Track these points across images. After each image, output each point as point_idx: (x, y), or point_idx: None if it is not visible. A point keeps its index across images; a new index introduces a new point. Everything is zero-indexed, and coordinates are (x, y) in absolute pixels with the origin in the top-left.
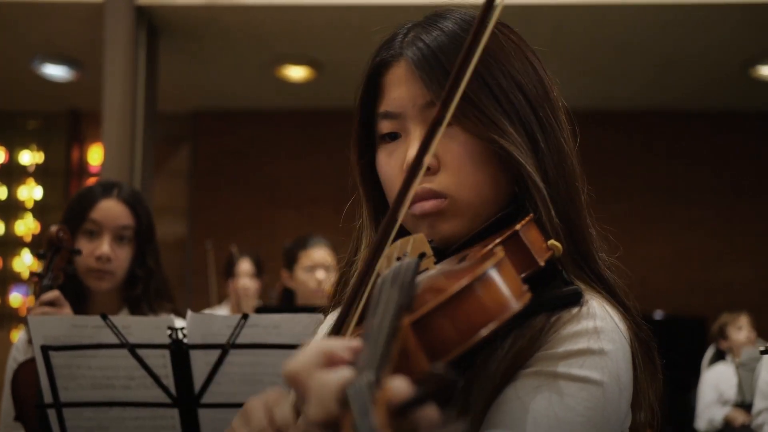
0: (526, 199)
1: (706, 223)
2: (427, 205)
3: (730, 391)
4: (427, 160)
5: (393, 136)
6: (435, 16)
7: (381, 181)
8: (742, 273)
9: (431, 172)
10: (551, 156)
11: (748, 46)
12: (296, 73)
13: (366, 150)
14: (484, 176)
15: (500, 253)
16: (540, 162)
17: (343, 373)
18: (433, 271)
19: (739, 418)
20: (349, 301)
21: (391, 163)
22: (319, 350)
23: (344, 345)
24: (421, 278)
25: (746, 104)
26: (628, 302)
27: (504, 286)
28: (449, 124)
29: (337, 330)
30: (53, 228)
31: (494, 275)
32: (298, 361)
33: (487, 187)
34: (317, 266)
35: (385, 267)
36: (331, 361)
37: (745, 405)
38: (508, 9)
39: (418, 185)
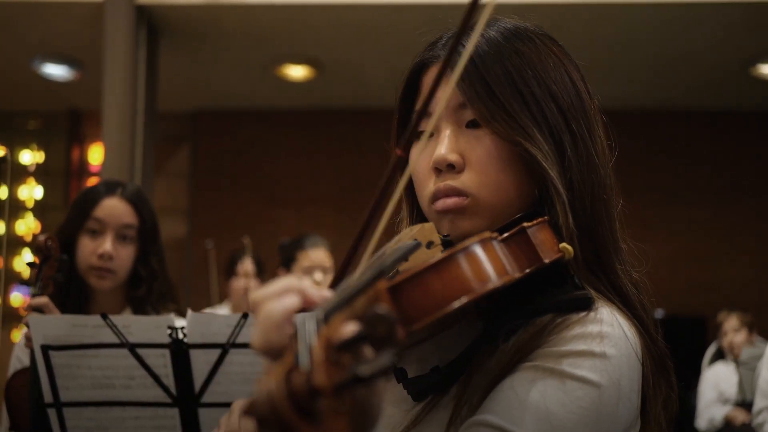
0: (546, 204)
1: (706, 222)
2: (449, 201)
3: (731, 390)
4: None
5: None
6: None
7: (412, 176)
8: (742, 272)
9: (456, 170)
10: (579, 166)
11: (748, 46)
12: (296, 72)
13: (405, 147)
14: (508, 178)
15: (487, 234)
16: (565, 170)
17: (290, 301)
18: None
19: (740, 417)
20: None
21: (421, 160)
22: (286, 284)
23: (316, 288)
24: (418, 259)
25: (746, 103)
26: (647, 320)
27: (486, 263)
28: (478, 126)
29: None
30: (41, 237)
31: (477, 250)
32: (263, 290)
33: (509, 189)
34: (315, 267)
35: None
36: (292, 294)
37: (745, 404)
38: (506, 8)
39: (442, 182)
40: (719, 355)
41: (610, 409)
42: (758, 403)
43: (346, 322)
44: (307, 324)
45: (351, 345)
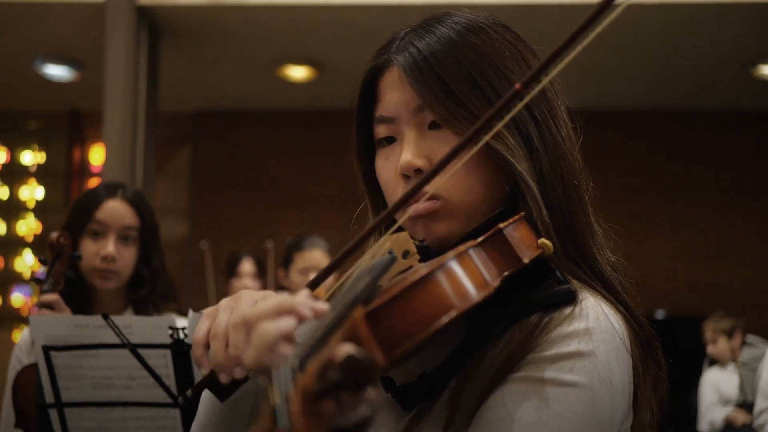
0: (519, 198)
1: (707, 222)
2: (421, 207)
3: (731, 392)
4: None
5: (389, 140)
6: (431, 20)
7: (380, 185)
8: (742, 272)
9: (424, 174)
10: (547, 155)
11: (749, 46)
12: (297, 73)
13: (366, 154)
14: (477, 177)
15: (463, 247)
16: (534, 162)
17: (286, 323)
18: (413, 268)
19: (740, 418)
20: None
21: (388, 167)
22: (279, 303)
23: (308, 303)
24: (399, 275)
25: (747, 104)
26: (630, 301)
27: (464, 278)
28: (440, 127)
29: None
30: (54, 234)
31: (454, 266)
32: (256, 309)
33: (480, 188)
34: (311, 269)
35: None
36: (287, 315)
37: (746, 405)
38: (507, 8)
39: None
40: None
41: (607, 407)
42: (759, 404)
43: (322, 367)
44: (283, 373)
45: (329, 394)
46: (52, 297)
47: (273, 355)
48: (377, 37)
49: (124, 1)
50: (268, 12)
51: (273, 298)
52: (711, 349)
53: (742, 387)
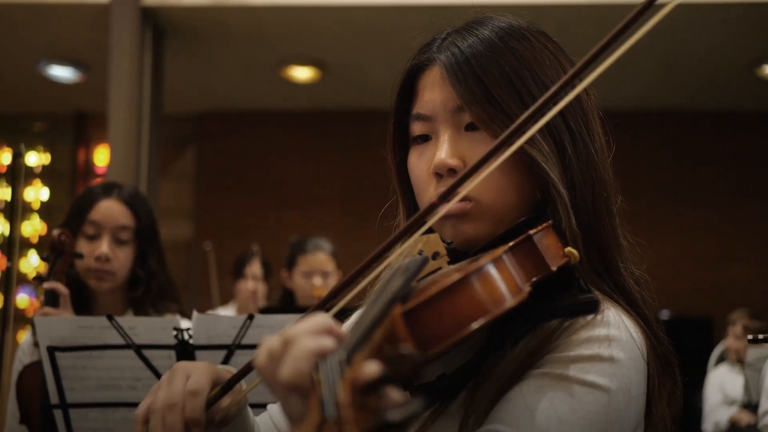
0: (549, 206)
1: (712, 223)
2: (453, 207)
3: (736, 392)
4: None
5: (424, 138)
6: (473, 22)
7: (411, 181)
8: (747, 273)
9: (458, 174)
10: (579, 165)
11: (755, 46)
12: (301, 74)
13: (401, 150)
14: (510, 182)
15: (499, 251)
16: (566, 170)
17: (324, 341)
18: (443, 269)
19: (745, 418)
20: (344, 285)
21: (421, 165)
22: (320, 322)
23: (336, 328)
24: (428, 275)
25: (752, 104)
26: (650, 317)
27: (500, 282)
28: (477, 128)
29: (322, 306)
30: (55, 232)
31: (491, 270)
32: (298, 326)
33: (511, 193)
34: (314, 272)
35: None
36: (326, 334)
37: (751, 405)
38: (512, 9)
39: (444, 187)
40: (724, 357)
41: (620, 413)
42: (764, 405)
43: (368, 362)
44: (330, 366)
45: (376, 387)
46: (62, 288)
47: (311, 370)
48: (381, 38)
49: (129, 2)
50: (272, 13)
51: (313, 319)
52: (733, 343)
53: (747, 387)
